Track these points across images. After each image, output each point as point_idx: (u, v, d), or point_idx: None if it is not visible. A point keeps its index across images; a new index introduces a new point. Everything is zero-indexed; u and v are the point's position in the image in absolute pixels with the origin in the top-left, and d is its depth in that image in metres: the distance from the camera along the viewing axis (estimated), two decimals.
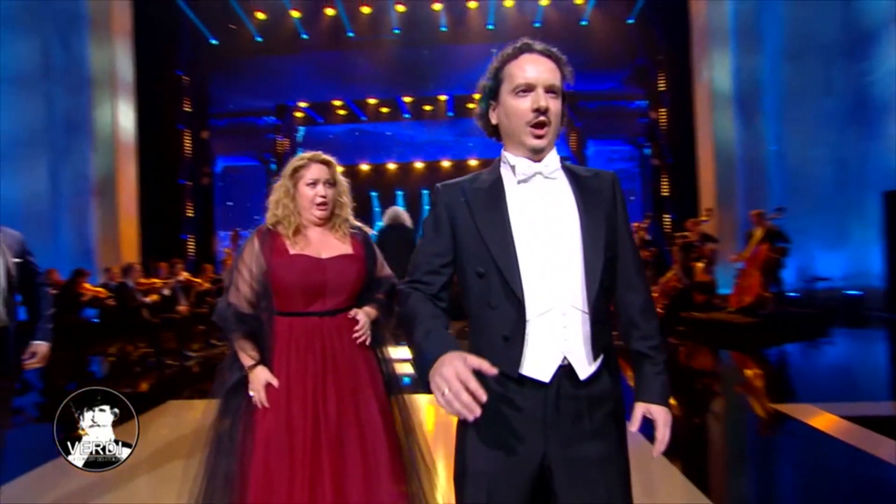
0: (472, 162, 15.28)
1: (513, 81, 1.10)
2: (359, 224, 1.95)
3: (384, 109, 14.89)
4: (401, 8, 11.15)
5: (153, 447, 3.42)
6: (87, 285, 6.83)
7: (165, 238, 10.01)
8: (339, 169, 1.92)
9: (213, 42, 11.27)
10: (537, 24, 11.27)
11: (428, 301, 1.12)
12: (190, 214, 11.33)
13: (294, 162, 1.86)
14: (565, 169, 1.16)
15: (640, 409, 1.13)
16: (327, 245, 1.82)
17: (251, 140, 13.58)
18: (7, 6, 8.48)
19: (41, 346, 2.32)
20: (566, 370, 1.06)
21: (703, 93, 9.80)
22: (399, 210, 5.89)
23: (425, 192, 16.95)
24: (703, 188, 9.75)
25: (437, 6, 11.15)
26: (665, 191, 11.18)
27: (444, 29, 11.55)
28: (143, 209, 9.56)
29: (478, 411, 0.87)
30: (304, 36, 11.36)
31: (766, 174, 8.99)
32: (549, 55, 1.12)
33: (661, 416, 1.13)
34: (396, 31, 11.48)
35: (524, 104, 1.09)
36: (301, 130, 14.92)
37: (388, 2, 10.96)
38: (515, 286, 1.05)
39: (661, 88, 11.22)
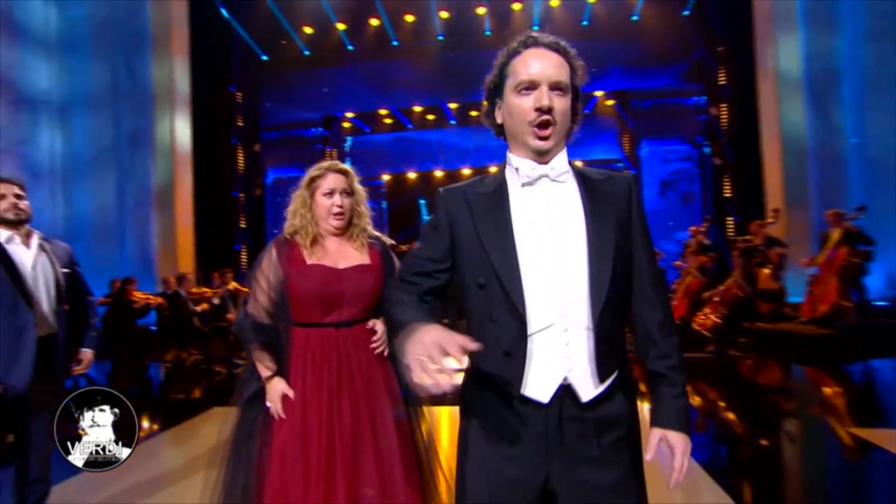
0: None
1: (516, 78, 1.05)
2: (377, 234, 1.93)
3: (430, 116, 14.98)
4: (444, 14, 11.20)
5: (198, 451, 3.55)
6: (137, 293, 7.22)
7: (220, 249, 10.49)
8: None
9: (264, 58, 11.76)
10: (585, 23, 10.98)
11: (413, 294, 1.11)
12: (243, 225, 11.84)
13: (311, 172, 1.87)
14: (576, 172, 1.10)
15: (657, 435, 1.05)
16: (345, 255, 1.81)
17: (300, 151, 14.00)
18: (81, 34, 9.24)
19: (87, 354, 2.45)
20: (569, 390, 1.01)
21: (768, 84, 9.12)
22: None
23: None
24: (769, 188, 9.06)
25: (481, 10, 11.11)
26: (727, 191, 10.53)
27: (488, 33, 11.48)
28: (198, 221, 10.05)
29: (453, 381, 0.86)
30: (350, 47, 11.64)
31: (844, 170, 8.21)
32: (556, 49, 1.06)
33: (680, 444, 1.04)
34: (440, 38, 11.53)
35: (527, 103, 1.03)
36: (348, 140, 15.27)
37: (431, 9, 11.02)
38: (517, 298, 1.00)
39: (722, 82, 10.61)
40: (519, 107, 1.04)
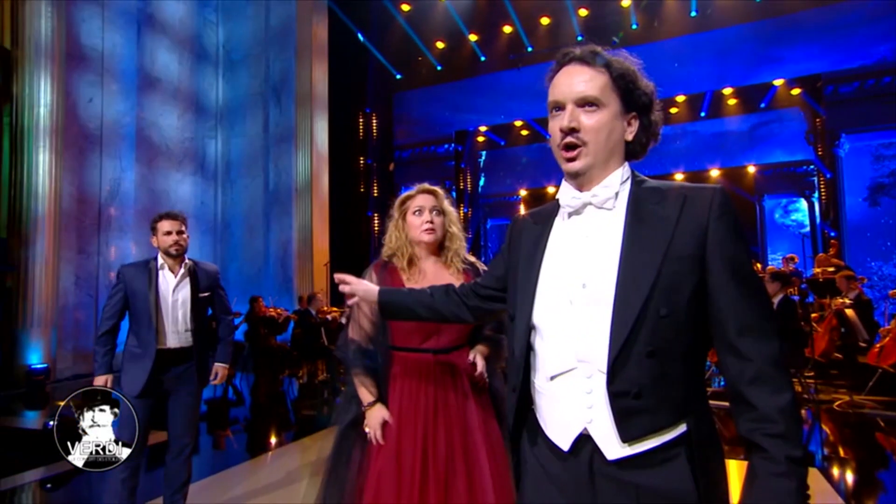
0: (679, 175, 13.93)
1: (549, 100, 1.06)
2: (472, 259, 2.01)
3: None
4: (583, 12, 10.99)
5: (315, 468, 3.86)
6: (269, 309, 8.14)
7: (355, 268, 11.39)
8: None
9: (398, 77, 12.69)
10: (758, 0, 9.90)
11: (453, 292, 1.35)
12: (378, 246, 12.75)
13: (402, 195, 2.02)
14: (633, 194, 1.03)
15: None
16: (442, 279, 1.90)
17: (432, 168, 14.71)
18: (242, 46, 10.97)
19: (219, 367, 2.90)
20: (595, 443, 0.96)
21: None
22: None
23: None
24: None
25: (626, 2, 10.69)
26: None
27: (635, 27, 10.99)
28: (333, 240, 11.06)
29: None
30: (483, 58, 12.01)
31: None
32: (588, 61, 1.03)
33: None
34: (580, 38, 11.32)
35: (555, 125, 1.04)
36: (483, 155, 15.64)
37: (568, 8, 10.90)
38: (525, 340, 1.04)
39: None
40: (551, 130, 1.05)
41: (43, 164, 7.30)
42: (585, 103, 1.00)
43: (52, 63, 7.40)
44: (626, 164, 1.05)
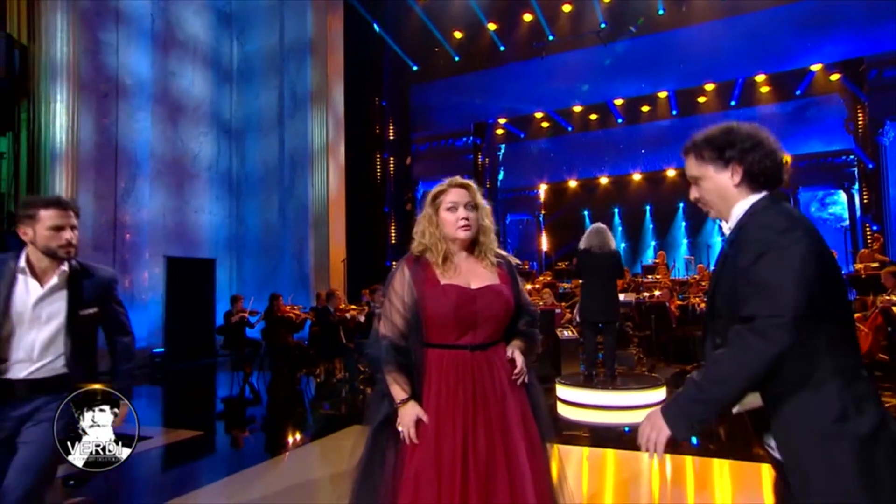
0: None
1: None
2: (503, 253, 2.03)
3: (593, 116, 14.56)
4: None
5: (334, 468, 3.86)
6: (286, 307, 8.19)
7: (371, 265, 11.44)
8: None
9: (415, 68, 12.65)
10: None
11: None
12: (395, 241, 12.77)
13: (434, 189, 2.02)
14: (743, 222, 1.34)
15: None
16: (476, 275, 1.92)
17: (450, 162, 14.66)
18: (254, 64, 11.03)
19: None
20: None
21: None
22: (599, 229, 5.70)
23: (648, 207, 15.92)
24: None
25: None
26: None
27: (661, 12, 10.80)
28: (350, 238, 11.09)
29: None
30: (502, 48, 11.91)
31: None
32: (686, 153, 1.46)
33: None
34: (603, 26, 11.17)
35: None
36: (502, 148, 15.56)
37: None
38: None
39: None
40: None
41: (60, 153, 7.41)
42: (694, 181, 1.45)
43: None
44: (753, 195, 1.34)
